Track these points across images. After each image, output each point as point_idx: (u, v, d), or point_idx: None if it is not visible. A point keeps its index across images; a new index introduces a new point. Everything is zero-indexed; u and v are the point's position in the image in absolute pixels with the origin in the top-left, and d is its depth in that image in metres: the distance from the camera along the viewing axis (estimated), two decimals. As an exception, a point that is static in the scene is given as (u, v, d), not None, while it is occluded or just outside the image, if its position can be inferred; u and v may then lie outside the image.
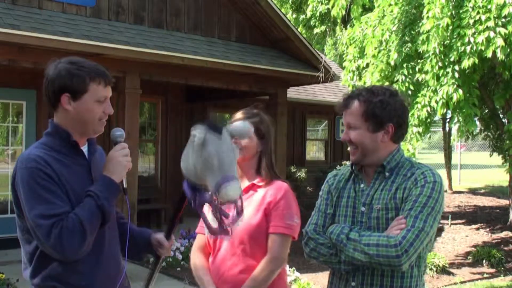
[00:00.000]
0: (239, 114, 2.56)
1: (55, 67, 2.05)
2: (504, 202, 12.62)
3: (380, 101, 2.15)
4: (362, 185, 2.22)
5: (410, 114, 6.41)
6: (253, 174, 2.54)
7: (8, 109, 8.90)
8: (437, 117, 7.58)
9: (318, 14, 8.61)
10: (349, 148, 2.25)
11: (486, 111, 9.16)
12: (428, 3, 5.93)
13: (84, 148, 2.18)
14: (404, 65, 6.53)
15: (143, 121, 10.43)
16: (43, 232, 1.94)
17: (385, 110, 2.14)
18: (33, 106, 8.91)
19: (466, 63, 5.81)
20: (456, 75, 6.08)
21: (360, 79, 7.38)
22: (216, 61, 8.01)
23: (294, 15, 10.47)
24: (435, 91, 6.22)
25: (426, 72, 6.28)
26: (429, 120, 6.61)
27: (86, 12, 7.48)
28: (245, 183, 2.51)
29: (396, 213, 2.10)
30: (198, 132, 1.91)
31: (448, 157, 15.45)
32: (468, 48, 5.79)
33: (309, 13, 8.73)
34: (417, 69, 6.50)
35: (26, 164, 2.00)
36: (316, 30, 9.20)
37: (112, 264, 2.17)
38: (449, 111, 6.56)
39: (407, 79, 6.49)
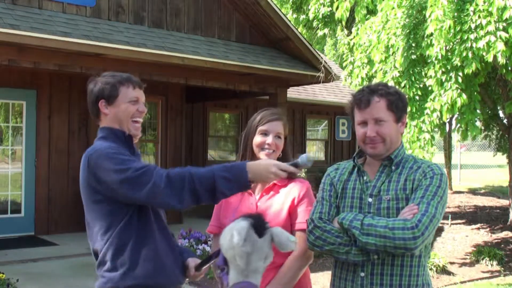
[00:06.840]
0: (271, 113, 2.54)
1: (95, 82, 2.35)
2: (504, 202, 12.61)
3: (397, 93, 2.24)
4: (365, 178, 2.26)
5: (421, 121, 6.42)
6: None
7: (8, 109, 8.90)
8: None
9: (320, 16, 8.59)
10: (365, 143, 2.23)
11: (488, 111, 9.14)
12: (431, 6, 5.92)
13: None
14: (411, 71, 6.52)
15: (143, 121, 10.35)
16: (149, 174, 2.06)
17: (403, 101, 2.25)
18: (33, 106, 8.91)
19: (470, 69, 5.80)
20: (459, 79, 6.07)
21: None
22: (216, 61, 8.01)
23: (294, 15, 10.45)
24: (439, 96, 6.21)
25: (431, 77, 6.27)
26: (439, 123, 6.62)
27: (86, 12, 7.48)
28: (266, 184, 2.50)
29: (406, 203, 2.15)
30: (241, 228, 1.92)
31: (448, 157, 15.43)
32: (470, 54, 5.77)
33: (311, 15, 8.71)
34: (423, 74, 6.49)
35: (98, 151, 2.18)
36: (319, 33, 9.19)
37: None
38: (453, 115, 6.56)
39: (414, 85, 6.48)
